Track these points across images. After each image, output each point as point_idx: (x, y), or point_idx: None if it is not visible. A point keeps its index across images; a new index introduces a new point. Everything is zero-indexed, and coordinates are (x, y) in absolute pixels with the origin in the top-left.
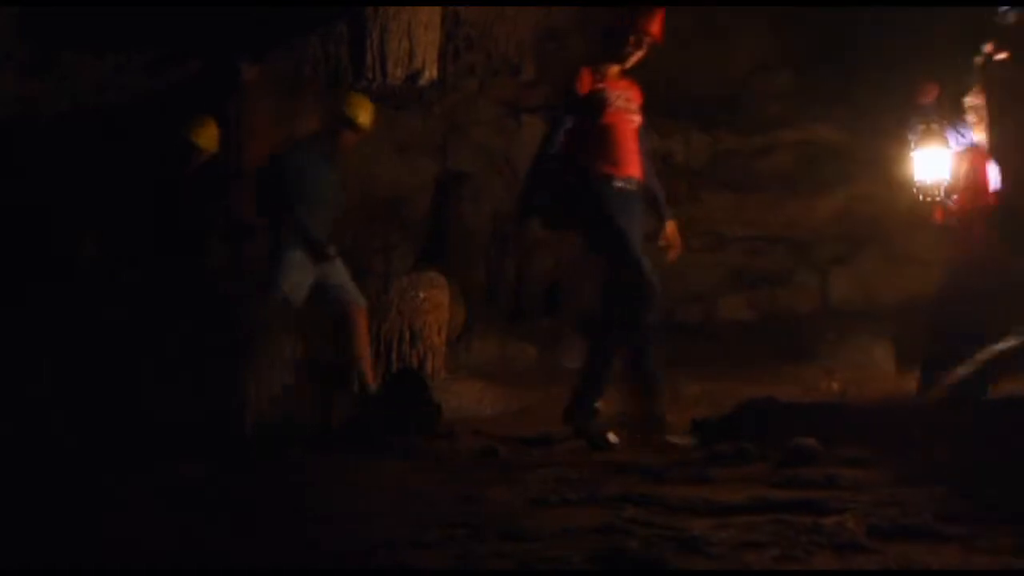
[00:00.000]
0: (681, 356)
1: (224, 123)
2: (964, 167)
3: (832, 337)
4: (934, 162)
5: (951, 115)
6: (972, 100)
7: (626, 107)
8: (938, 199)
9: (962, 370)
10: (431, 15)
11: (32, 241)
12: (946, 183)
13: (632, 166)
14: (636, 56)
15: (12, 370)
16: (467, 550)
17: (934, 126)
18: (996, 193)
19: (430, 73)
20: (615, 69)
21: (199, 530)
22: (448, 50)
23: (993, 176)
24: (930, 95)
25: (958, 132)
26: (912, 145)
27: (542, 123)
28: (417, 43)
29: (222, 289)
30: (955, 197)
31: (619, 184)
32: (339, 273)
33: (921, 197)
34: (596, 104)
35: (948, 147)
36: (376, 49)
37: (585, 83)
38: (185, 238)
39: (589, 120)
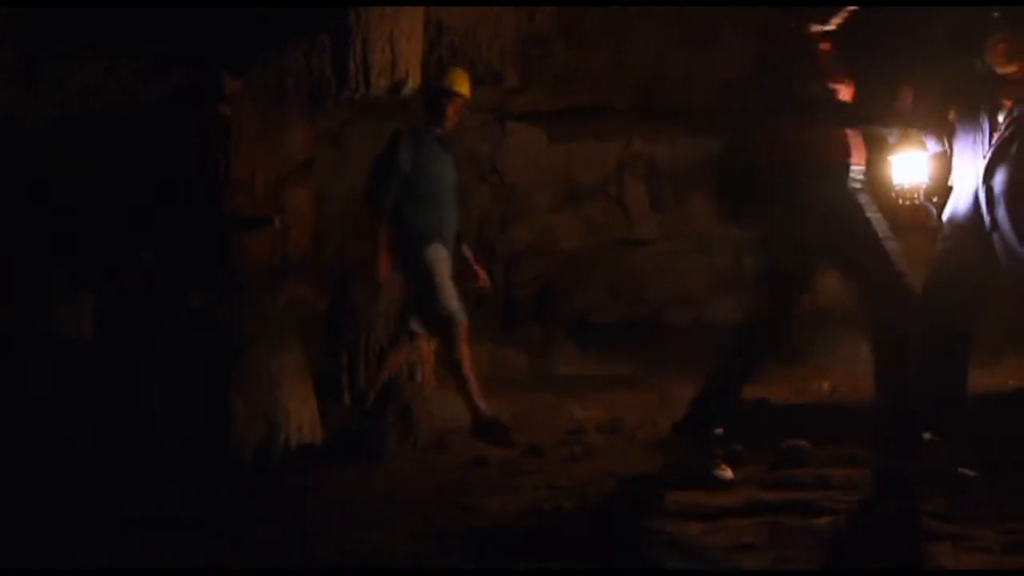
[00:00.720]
0: (671, 358)
1: (207, 136)
2: (943, 169)
3: (822, 337)
4: (911, 165)
5: (930, 115)
6: None
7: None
8: (917, 202)
9: None
10: (413, 24)
11: (23, 248)
12: (924, 186)
13: (861, 151)
14: (837, 20)
15: (6, 377)
16: (461, 559)
17: (910, 129)
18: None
19: (414, 82)
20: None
21: (188, 543)
22: (431, 59)
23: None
24: (906, 99)
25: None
26: (890, 149)
27: (528, 129)
28: (399, 53)
29: (211, 300)
30: (936, 199)
31: (855, 174)
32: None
33: (900, 201)
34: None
35: (925, 150)
36: (359, 60)
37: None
38: (176, 245)
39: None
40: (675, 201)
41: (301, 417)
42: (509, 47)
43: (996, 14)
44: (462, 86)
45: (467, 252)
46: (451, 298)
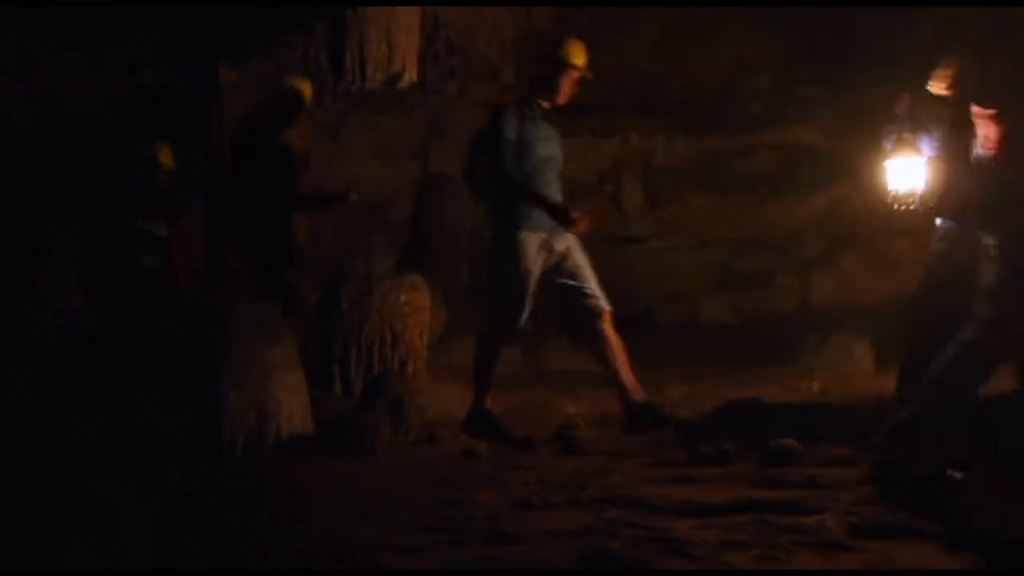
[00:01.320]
0: (663, 357)
1: (204, 127)
2: (937, 172)
3: (813, 338)
4: (907, 171)
5: (925, 121)
6: None
7: None
8: (912, 207)
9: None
10: (410, 19)
11: (8, 247)
12: (920, 191)
13: None
14: None
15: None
16: (450, 554)
17: (906, 135)
18: None
19: (410, 76)
20: None
21: (180, 536)
22: (428, 53)
23: None
24: (903, 104)
25: (932, 138)
26: (886, 154)
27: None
28: (396, 47)
29: (199, 294)
30: (931, 205)
31: None
32: (578, 260)
33: (896, 206)
34: None
35: (921, 155)
36: (355, 53)
37: None
38: (166, 242)
39: None
40: (671, 198)
41: (292, 407)
42: (506, 44)
43: (972, 18)
44: (579, 57)
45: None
46: (516, 307)
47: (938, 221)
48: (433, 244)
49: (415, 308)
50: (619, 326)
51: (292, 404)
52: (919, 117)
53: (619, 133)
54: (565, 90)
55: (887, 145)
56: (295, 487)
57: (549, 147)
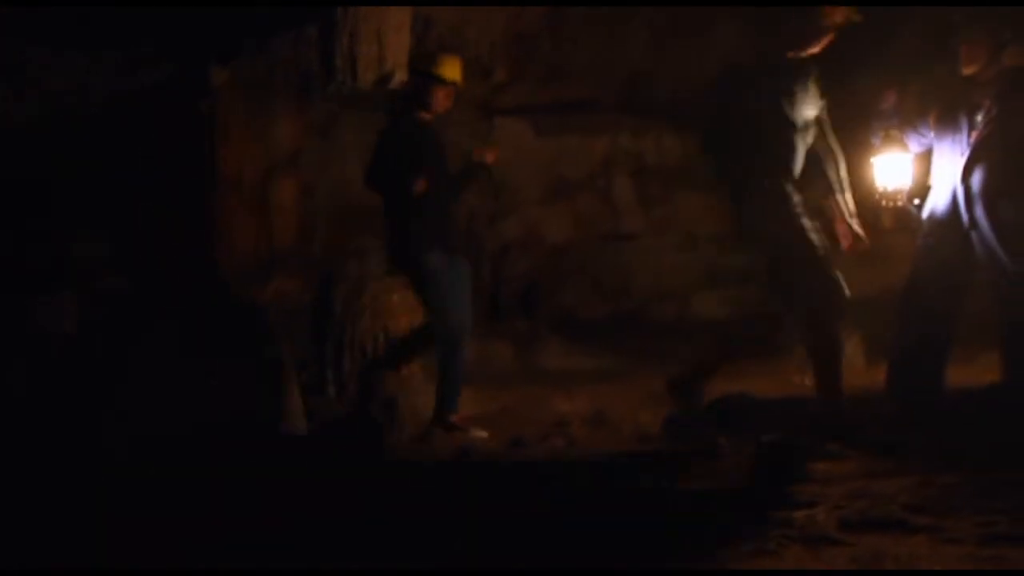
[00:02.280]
0: (655, 353)
1: (196, 127)
2: (925, 168)
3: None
4: (895, 168)
5: (912, 117)
6: None
7: None
8: (900, 204)
9: None
10: (401, 18)
11: (6, 244)
12: (907, 188)
13: None
14: None
15: None
16: (447, 551)
17: (894, 131)
18: None
19: (401, 76)
20: None
21: (173, 535)
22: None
23: None
24: (889, 100)
25: (919, 133)
26: (874, 151)
27: (515, 123)
28: (387, 46)
29: (200, 294)
30: (918, 201)
31: None
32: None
33: (884, 203)
34: None
35: (908, 152)
36: (346, 53)
37: None
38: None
39: None
40: (661, 196)
41: (288, 408)
42: (497, 44)
43: (955, 17)
44: (852, 14)
45: (840, 204)
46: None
47: (924, 216)
48: None
49: (408, 307)
50: (613, 323)
51: (288, 405)
52: (906, 113)
53: (609, 132)
54: (823, 43)
55: (875, 141)
56: (288, 489)
57: (800, 105)
